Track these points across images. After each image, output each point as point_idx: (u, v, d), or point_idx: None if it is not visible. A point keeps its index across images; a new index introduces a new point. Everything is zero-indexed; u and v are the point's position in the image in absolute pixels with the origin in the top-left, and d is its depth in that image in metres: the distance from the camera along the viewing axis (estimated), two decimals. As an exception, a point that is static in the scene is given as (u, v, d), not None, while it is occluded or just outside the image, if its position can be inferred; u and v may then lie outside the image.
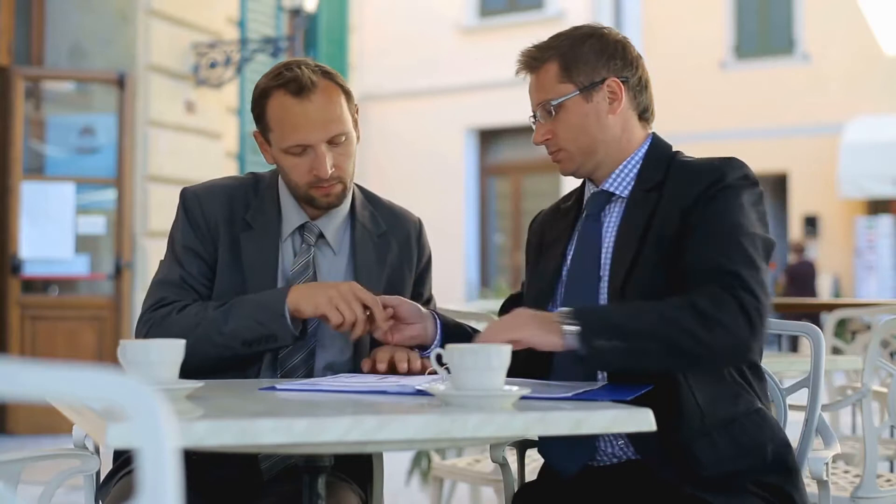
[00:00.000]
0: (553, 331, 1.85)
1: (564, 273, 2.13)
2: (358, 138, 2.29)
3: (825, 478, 1.99)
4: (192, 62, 8.11)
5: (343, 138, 2.20)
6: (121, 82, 7.56)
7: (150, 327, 2.16)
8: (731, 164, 2.01)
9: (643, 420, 1.62)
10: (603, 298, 2.03)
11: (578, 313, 1.86)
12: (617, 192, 2.11)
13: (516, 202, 15.99)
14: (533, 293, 2.17)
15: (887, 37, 14.83)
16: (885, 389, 2.61)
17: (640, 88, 2.14)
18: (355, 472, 2.23)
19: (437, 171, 15.85)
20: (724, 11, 15.59)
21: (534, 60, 2.16)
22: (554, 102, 2.11)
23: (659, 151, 2.13)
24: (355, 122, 2.27)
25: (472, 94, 15.74)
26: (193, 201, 2.29)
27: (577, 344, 1.83)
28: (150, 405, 0.90)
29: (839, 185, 14.09)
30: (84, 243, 7.68)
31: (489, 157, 16.28)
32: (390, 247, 2.33)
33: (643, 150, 2.14)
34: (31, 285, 7.54)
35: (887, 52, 14.83)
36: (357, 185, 2.39)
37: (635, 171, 2.12)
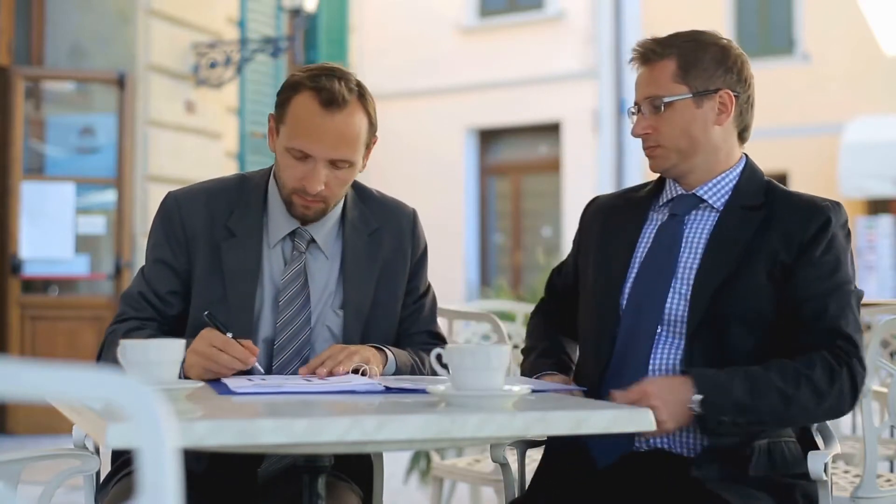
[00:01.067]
0: (683, 407, 1.94)
1: (634, 264, 2.17)
2: (364, 166, 2.25)
3: (825, 478, 1.99)
4: (192, 62, 8.10)
5: (346, 165, 2.17)
6: (121, 82, 7.56)
7: (105, 341, 2.20)
8: (839, 208, 2.11)
9: (642, 420, 1.63)
10: (677, 297, 2.09)
11: (703, 386, 1.94)
12: (710, 201, 2.15)
13: (516, 202, 15.97)
14: (602, 279, 2.20)
15: (887, 37, 14.82)
16: (885, 389, 2.61)
17: (747, 106, 2.19)
18: (355, 472, 2.22)
19: (437, 171, 15.83)
20: (724, 11, 15.57)
21: (653, 53, 2.17)
22: (666, 100, 2.13)
23: (755, 174, 2.20)
24: (368, 151, 2.24)
25: (472, 94, 15.72)
26: (173, 208, 2.26)
27: (701, 413, 1.93)
28: (150, 405, 0.90)
29: (839, 185, 14.07)
30: (84, 243, 7.68)
31: (489, 157, 16.26)
32: (382, 243, 2.30)
33: (740, 168, 2.19)
34: (31, 285, 7.54)
35: (887, 52, 14.82)
36: None
37: (732, 185, 2.17)
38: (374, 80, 16.44)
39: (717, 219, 2.14)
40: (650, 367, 2.08)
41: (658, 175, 2.25)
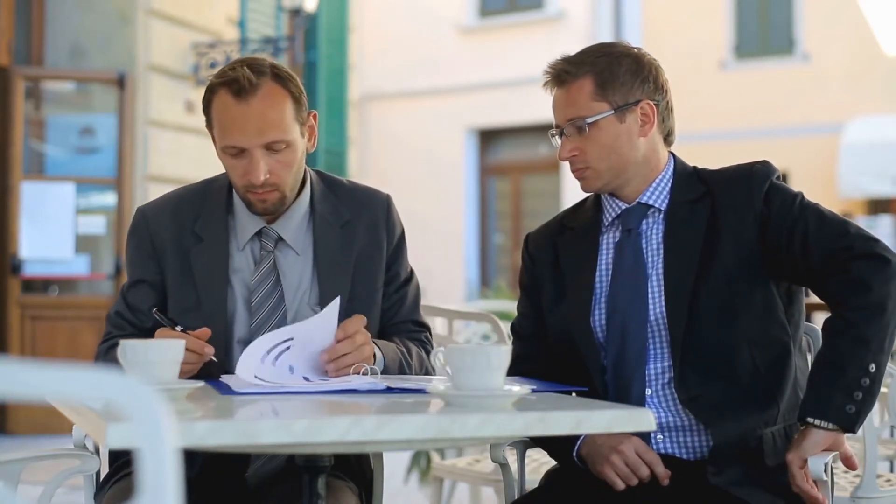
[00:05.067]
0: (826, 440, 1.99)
1: (601, 288, 2.16)
2: (313, 146, 2.22)
3: (825, 478, 1.99)
4: (192, 62, 8.11)
5: (283, 146, 2.13)
6: (121, 82, 7.56)
7: (96, 361, 2.23)
8: (769, 164, 2.13)
9: (642, 420, 1.62)
10: (657, 304, 2.09)
11: (824, 416, 1.97)
12: (655, 205, 2.15)
13: (516, 202, 15.97)
14: (567, 312, 2.17)
15: (887, 37, 14.81)
16: (885, 389, 2.61)
17: (667, 112, 2.19)
18: (355, 472, 2.22)
19: (437, 171, 15.83)
20: (724, 11, 15.57)
21: (566, 74, 2.14)
22: (589, 120, 2.11)
23: (685, 167, 2.20)
24: (310, 129, 2.21)
25: (472, 94, 15.72)
26: (140, 221, 2.27)
27: (849, 428, 1.98)
28: (150, 405, 0.90)
29: (839, 185, 14.07)
30: (84, 243, 7.68)
31: (489, 157, 16.26)
32: (355, 235, 2.27)
33: (671, 167, 2.19)
34: (31, 285, 7.54)
35: (887, 52, 14.81)
36: (317, 173, 2.33)
37: (668, 185, 2.17)
38: (374, 80, 16.47)
39: (665, 219, 2.14)
40: (647, 379, 2.09)
41: (587, 194, 2.24)
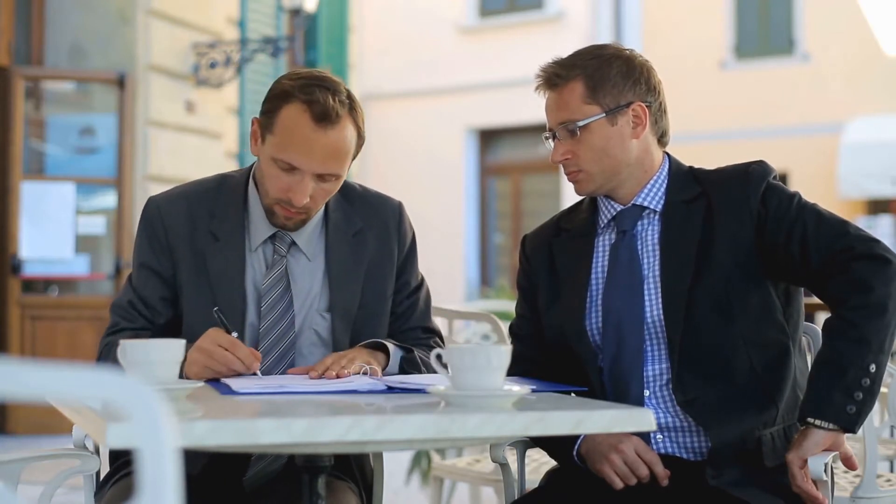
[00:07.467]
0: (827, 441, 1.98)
1: (596, 290, 2.15)
2: (345, 174, 2.22)
3: (825, 478, 1.99)
4: (192, 62, 8.10)
5: (333, 178, 2.14)
6: (121, 82, 7.56)
7: (101, 353, 2.19)
8: (765, 164, 2.13)
9: (642, 420, 1.63)
10: (653, 305, 2.09)
11: (824, 416, 1.97)
12: (651, 206, 2.14)
13: (516, 202, 15.98)
14: (562, 314, 2.17)
15: (887, 37, 14.81)
16: (885, 389, 2.61)
17: (661, 113, 2.18)
18: (355, 472, 2.22)
19: (437, 171, 15.83)
20: (724, 11, 15.56)
21: (557, 78, 2.13)
22: (580, 123, 2.10)
23: (680, 167, 2.20)
24: (352, 160, 2.20)
25: (472, 94, 15.72)
26: (154, 213, 2.23)
27: (849, 428, 1.98)
28: (150, 405, 0.90)
29: (839, 185, 14.07)
30: (84, 243, 7.68)
31: (489, 157, 16.27)
32: (366, 243, 2.27)
33: (666, 168, 2.18)
34: (31, 285, 7.53)
35: (887, 52, 14.81)
36: None
37: (664, 186, 2.16)
38: (374, 80, 16.46)
39: (661, 220, 2.14)
40: (645, 380, 2.09)
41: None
